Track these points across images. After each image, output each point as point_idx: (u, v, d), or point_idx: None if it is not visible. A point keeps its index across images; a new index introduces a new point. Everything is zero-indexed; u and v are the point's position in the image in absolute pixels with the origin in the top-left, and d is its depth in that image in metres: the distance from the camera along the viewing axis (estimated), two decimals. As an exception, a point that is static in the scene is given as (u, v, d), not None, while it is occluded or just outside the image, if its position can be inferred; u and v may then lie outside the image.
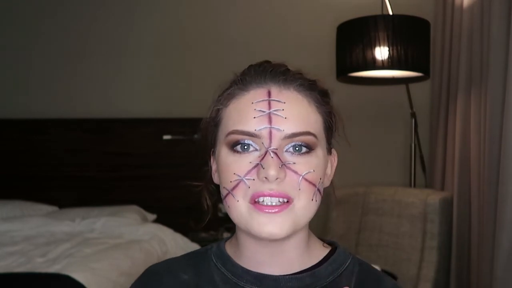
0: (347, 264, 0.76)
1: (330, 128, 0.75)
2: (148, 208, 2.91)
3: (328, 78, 0.76)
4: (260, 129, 0.68)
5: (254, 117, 0.68)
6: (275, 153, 0.67)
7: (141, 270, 2.51)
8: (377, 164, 2.88)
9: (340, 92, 0.83)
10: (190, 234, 2.74)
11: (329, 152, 0.75)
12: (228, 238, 0.81)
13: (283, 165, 0.67)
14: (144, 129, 3.10)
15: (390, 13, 2.22)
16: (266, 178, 0.66)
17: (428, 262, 2.04)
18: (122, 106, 3.15)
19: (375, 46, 2.06)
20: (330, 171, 0.77)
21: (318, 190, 0.70)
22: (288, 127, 0.68)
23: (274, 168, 0.65)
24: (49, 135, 3.15)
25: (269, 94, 0.70)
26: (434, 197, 2.09)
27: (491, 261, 1.83)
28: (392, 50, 2.04)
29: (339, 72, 2.18)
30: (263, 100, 0.69)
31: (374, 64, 2.07)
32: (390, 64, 2.05)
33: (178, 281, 0.76)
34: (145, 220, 2.79)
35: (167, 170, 3.02)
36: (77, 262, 1.98)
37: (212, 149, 0.76)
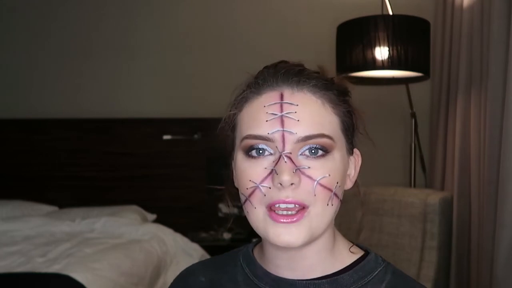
0: (376, 272, 0.73)
1: (349, 128, 0.72)
2: (148, 208, 2.91)
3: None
4: (272, 132, 0.66)
5: (267, 121, 0.67)
6: (289, 158, 0.65)
7: (141, 270, 2.51)
8: (377, 164, 2.88)
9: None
10: (190, 234, 2.74)
11: (350, 152, 0.73)
12: (259, 241, 0.80)
13: (297, 169, 0.65)
14: (144, 129, 3.10)
15: (390, 13, 2.22)
16: (280, 184, 0.64)
17: (428, 262, 2.04)
18: (122, 106, 3.15)
19: (375, 46, 2.05)
20: (353, 171, 0.75)
21: (335, 194, 0.68)
22: (301, 130, 0.66)
23: (287, 173, 0.64)
24: (49, 135, 3.15)
25: (281, 96, 0.68)
26: (434, 197, 2.09)
27: (491, 261, 1.83)
28: (392, 50, 2.04)
29: (339, 72, 2.18)
30: (275, 103, 0.67)
31: (374, 64, 2.07)
32: (390, 64, 2.05)
33: (196, 283, 0.79)
34: (145, 220, 2.79)
35: (167, 170, 3.03)
36: (77, 262, 1.98)
37: (232, 153, 0.75)
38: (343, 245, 0.76)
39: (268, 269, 0.74)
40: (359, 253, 0.76)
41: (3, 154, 3.15)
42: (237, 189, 0.73)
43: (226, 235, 2.82)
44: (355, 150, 0.75)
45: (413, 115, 2.59)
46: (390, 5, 2.25)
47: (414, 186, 2.57)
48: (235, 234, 2.81)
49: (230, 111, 0.73)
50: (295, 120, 0.66)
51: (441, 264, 2.06)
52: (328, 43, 2.39)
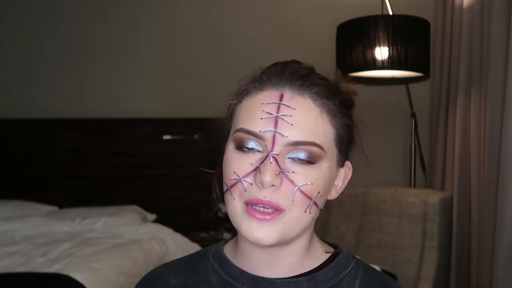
0: (349, 268, 0.74)
1: (343, 141, 0.72)
2: (148, 208, 2.91)
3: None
4: (264, 131, 0.66)
5: (261, 118, 0.67)
6: (275, 159, 0.66)
7: (141, 270, 2.51)
8: (377, 164, 2.88)
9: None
10: (190, 234, 2.74)
11: (341, 164, 0.73)
12: (228, 240, 0.81)
13: (281, 172, 0.66)
14: (144, 129, 3.10)
15: (390, 13, 2.23)
16: (261, 183, 0.65)
17: (428, 262, 2.04)
18: (122, 106, 3.15)
19: (375, 46, 2.06)
20: (341, 183, 0.75)
21: (315, 203, 0.68)
22: (293, 135, 0.66)
23: (269, 174, 0.65)
24: (49, 135, 3.15)
25: (281, 97, 0.68)
26: (434, 197, 2.09)
27: (491, 261, 1.83)
28: (392, 50, 2.04)
29: (344, 76, 2.18)
30: (273, 103, 0.67)
31: (374, 64, 2.07)
32: (390, 64, 2.06)
33: (166, 286, 0.77)
34: (145, 220, 2.79)
35: (167, 170, 3.02)
36: (77, 262, 1.98)
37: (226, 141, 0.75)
38: (318, 243, 0.77)
39: (243, 268, 0.74)
40: (330, 252, 0.77)
41: (3, 154, 3.15)
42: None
43: (226, 235, 2.82)
44: (347, 163, 0.75)
45: (413, 115, 2.59)
46: (390, 5, 2.25)
47: (414, 186, 2.57)
48: (235, 234, 2.80)
49: (232, 100, 0.73)
50: (289, 123, 0.66)
51: (441, 264, 2.06)
52: (328, 43, 2.39)
